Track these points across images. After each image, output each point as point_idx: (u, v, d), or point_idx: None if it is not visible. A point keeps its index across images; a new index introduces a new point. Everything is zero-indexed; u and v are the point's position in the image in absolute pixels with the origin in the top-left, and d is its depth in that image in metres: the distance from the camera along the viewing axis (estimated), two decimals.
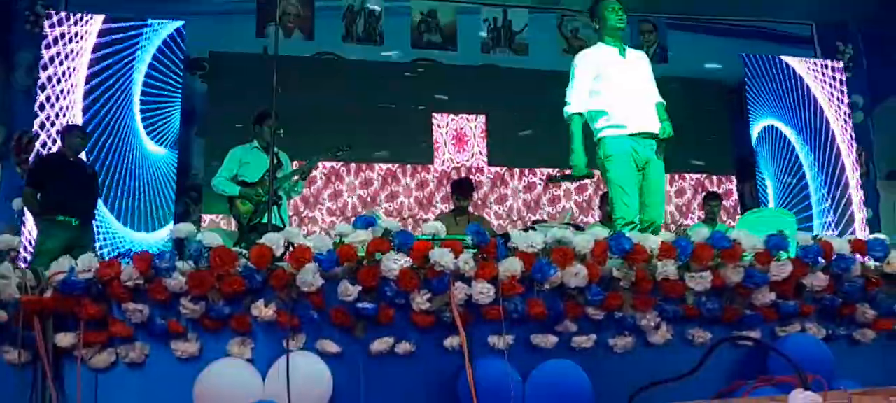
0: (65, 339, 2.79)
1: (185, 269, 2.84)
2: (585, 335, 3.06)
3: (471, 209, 6.50)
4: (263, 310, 2.86)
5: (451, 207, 6.62)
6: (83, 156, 6.13)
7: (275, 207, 5.49)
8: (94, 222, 6.13)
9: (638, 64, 4.36)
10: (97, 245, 6.51)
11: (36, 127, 6.79)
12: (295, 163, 6.24)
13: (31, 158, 6.66)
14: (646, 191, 4.14)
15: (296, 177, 5.97)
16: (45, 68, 6.91)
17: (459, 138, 8.02)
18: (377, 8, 8.26)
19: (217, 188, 5.82)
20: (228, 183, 5.78)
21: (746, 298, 3.17)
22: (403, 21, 8.32)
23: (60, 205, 5.67)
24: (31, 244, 6.12)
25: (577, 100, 4.18)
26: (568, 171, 4.19)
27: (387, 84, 7.93)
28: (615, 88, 4.18)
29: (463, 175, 7.64)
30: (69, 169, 5.92)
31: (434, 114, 8.02)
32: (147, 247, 6.31)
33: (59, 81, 6.91)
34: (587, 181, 4.06)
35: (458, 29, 8.39)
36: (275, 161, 5.77)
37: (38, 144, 6.75)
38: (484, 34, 8.50)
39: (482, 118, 8.10)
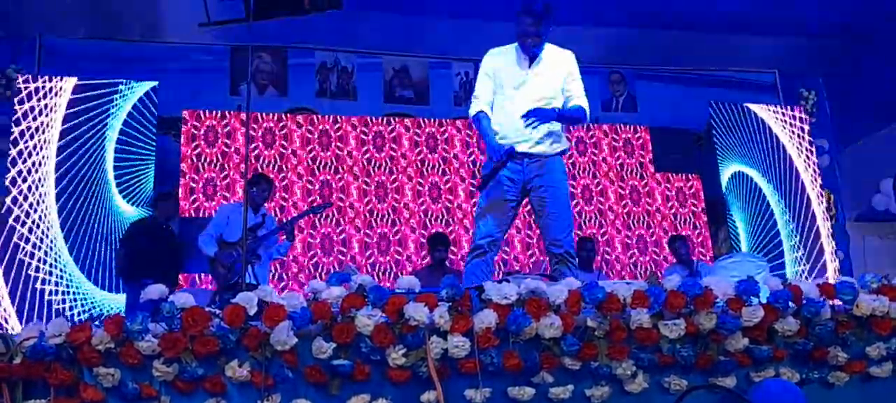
0: None
1: (157, 331, 2.82)
2: (562, 386, 3.06)
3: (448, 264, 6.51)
4: (237, 370, 2.84)
5: (429, 262, 6.64)
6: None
7: (250, 266, 5.51)
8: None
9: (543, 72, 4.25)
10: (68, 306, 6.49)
11: (7, 182, 6.73)
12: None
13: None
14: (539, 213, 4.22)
15: (276, 236, 5.98)
16: (18, 123, 6.87)
17: (434, 190, 8.05)
18: (350, 64, 8.35)
19: (201, 246, 5.86)
20: (210, 242, 5.80)
21: (720, 344, 3.19)
22: (376, 77, 8.40)
23: (149, 270, 5.80)
24: None
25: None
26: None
27: (361, 138, 7.97)
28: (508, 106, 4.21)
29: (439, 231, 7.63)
30: (161, 235, 6.19)
31: (409, 167, 8.05)
32: (119, 309, 6.25)
33: (32, 136, 6.87)
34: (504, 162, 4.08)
35: (430, 83, 8.48)
36: (261, 221, 5.85)
37: (8, 201, 6.66)
38: (456, 88, 8.60)
39: None
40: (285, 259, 6.98)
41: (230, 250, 5.75)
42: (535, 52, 4.18)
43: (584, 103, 4.26)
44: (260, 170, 7.36)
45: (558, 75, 4.24)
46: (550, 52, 4.26)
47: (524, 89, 4.17)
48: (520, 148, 4.14)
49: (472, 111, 4.27)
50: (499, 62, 4.28)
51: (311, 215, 7.27)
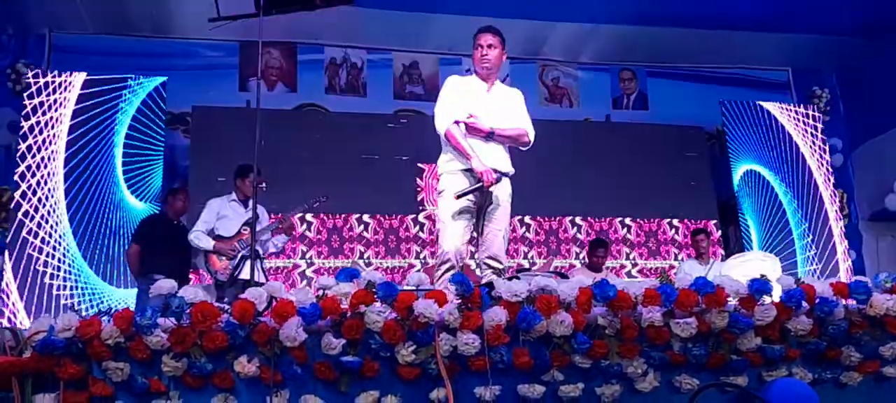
0: (44, 401, 2.73)
1: (166, 326, 2.81)
2: (572, 384, 3.04)
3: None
4: (246, 366, 2.83)
5: None
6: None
7: (258, 261, 5.49)
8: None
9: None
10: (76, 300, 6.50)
11: (16, 177, 6.74)
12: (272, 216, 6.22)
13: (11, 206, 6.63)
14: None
15: (274, 232, 5.95)
16: (27, 118, 6.87)
17: None
18: (359, 60, 8.33)
19: (193, 242, 5.80)
20: (204, 236, 5.76)
21: (732, 343, 3.16)
22: (386, 72, 8.39)
23: (160, 266, 5.72)
24: None
25: None
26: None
27: (370, 135, 7.93)
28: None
29: None
30: (171, 231, 6.13)
31: (418, 165, 8.01)
32: (128, 304, 6.25)
33: (41, 131, 6.88)
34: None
35: (440, 80, 8.44)
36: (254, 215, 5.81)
37: (17, 196, 6.66)
38: None
39: None
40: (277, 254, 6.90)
41: (228, 245, 5.72)
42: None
43: None
44: (268, 166, 7.33)
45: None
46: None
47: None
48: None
49: None
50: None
51: (311, 210, 7.22)
